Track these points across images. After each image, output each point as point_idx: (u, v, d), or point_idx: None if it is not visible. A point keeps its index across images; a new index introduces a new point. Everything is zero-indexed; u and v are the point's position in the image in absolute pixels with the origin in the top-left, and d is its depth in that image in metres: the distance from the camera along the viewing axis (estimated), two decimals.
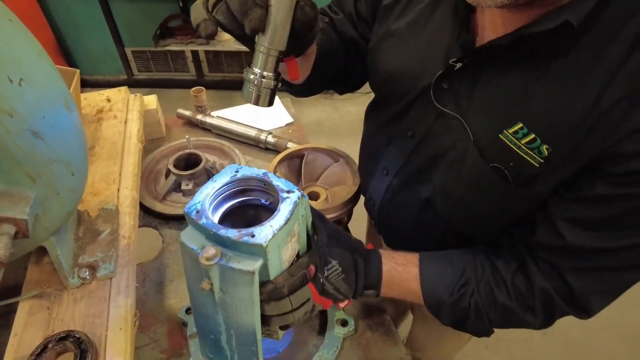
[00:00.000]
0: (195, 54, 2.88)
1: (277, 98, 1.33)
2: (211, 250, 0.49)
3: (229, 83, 2.96)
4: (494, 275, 0.59)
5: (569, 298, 0.55)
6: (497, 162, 0.54)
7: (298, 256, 0.60)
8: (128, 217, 0.79)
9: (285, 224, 0.50)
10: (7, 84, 0.45)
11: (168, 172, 0.99)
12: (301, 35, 0.51)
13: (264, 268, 0.51)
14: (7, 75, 0.45)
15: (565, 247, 0.53)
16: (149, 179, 1.03)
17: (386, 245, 0.90)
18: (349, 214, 0.92)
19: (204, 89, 1.20)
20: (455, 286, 0.60)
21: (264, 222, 0.50)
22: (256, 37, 0.50)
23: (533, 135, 0.50)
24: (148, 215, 0.97)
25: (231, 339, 0.60)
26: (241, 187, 0.57)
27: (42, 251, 0.74)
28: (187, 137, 1.02)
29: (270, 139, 1.10)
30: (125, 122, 1.03)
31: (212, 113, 1.24)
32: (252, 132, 1.12)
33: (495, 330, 0.65)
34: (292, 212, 0.51)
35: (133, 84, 2.95)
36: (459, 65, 0.56)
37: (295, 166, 0.95)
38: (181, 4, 2.58)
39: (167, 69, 3.00)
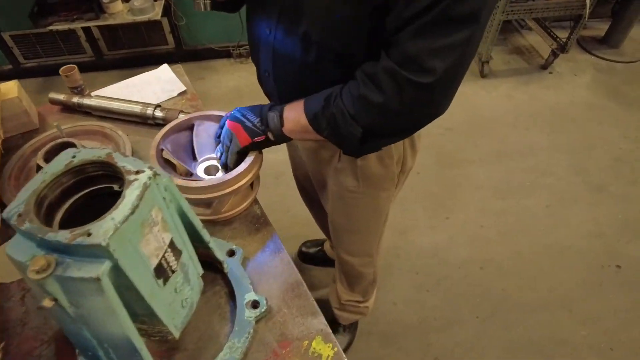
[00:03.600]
0: (88, 32, 2.57)
1: (167, 66, 1.20)
2: (40, 260, 0.40)
3: (132, 60, 2.70)
4: (352, 83, 0.70)
5: (412, 65, 0.62)
6: None
7: (172, 245, 0.52)
8: None
9: (132, 213, 0.41)
10: None
11: (39, 168, 0.85)
12: None
13: (117, 271, 0.42)
14: None
15: (403, 20, 0.60)
16: (19, 180, 0.88)
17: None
18: (257, 177, 0.85)
19: (75, 66, 1.04)
20: (323, 97, 0.73)
21: (105, 215, 0.41)
22: None
23: None
24: None
25: (109, 354, 0.51)
26: (82, 175, 0.47)
27: None
28: (55, 124, 0.87)
29: (159, 112, 0.98)
30: None
31: (93, 93, 1.09)
32: (137, 108, 1.00)
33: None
34: (140, 198, 0.42)
35: (22, 74, 2.60)
36: None
37: (186, 139, 0.85)
38: None
39: (60, 53, 2.67)
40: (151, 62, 2.77)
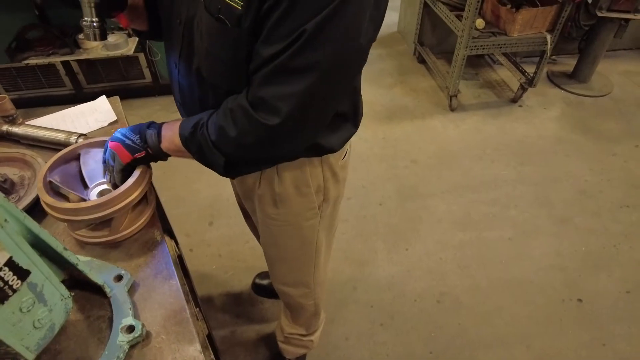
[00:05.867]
0: (67, 66, 2.67)
1: (104, 97, 1.24)
2: None
3: (111, 93, 2.77)
4: (218, 112, 0.75)
5: (261, 106, 0.68)
6: (217, 13, 0.67)
7: (12, 264, 0.53)
8: None
9: None
10: None
11: None
12: None
13: None
14: None
15: (258, 63, 0.66)
16: None
17: None
18: (152, 191, 0.90)
19: (6, 96, 1.08)
20: (192, 124, 0.77)
21: None
22: None
23: None
24: None
25: None
26: None
27: None
28: None
29: (81, 140, 1.01)
30: None
31: (27, 122, 1.13)
32: (62, 136, 1.03)
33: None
34: None
35: None
36: None
37: (75, 169, 0.87)
38: (37, 12, 2.37)
39: (40, 86, 2.76)
40: (129, 95, 2.86)
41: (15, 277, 0.54)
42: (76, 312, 0.74)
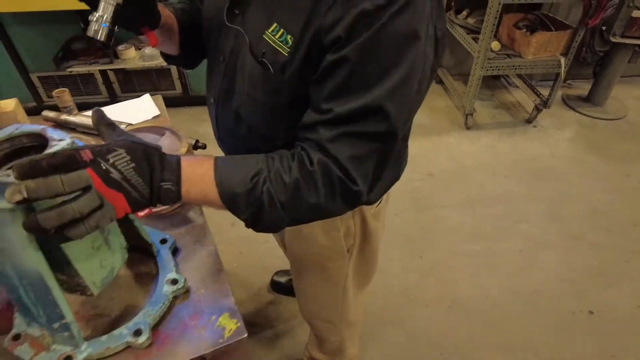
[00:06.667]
0: (105, 75, 2.86)
1: (148, 96, 1.37)
2: None
3: None
4: (282, 163, 0.64)
5: (338, 165, 0.62)
6: (261, 56, 0.67)
7: None
8: None
9: None
10: None
11: None
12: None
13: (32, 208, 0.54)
14: None
15: (322, 121, 0.63)
16: None
17: None
18: None
19: (66, 89, 1.23)
20: (248, 177, 0.62)
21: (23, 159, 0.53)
22: None
23: (282, 30, 0.64)
24: None
25: (28, 292, 0.62)
26: (19, 145, 0.60)
27: None
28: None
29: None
30: None
31: (84, 113, 1.27)
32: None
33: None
34: None
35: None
36: None
37: None
38: (83, 25, 2.58)
39: (79, 93, 2.96)
40: None
41: None
42: (125, 269, 0.85)
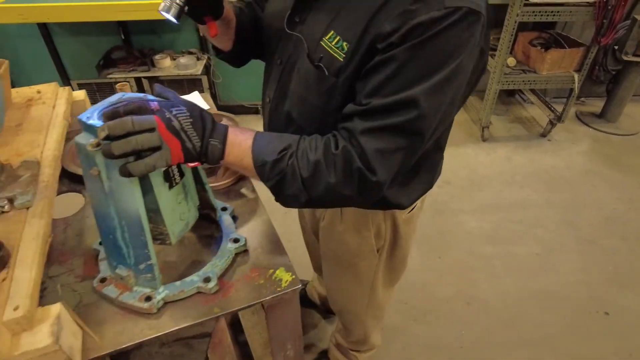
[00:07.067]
0: (139, 83, 3.04)
1: (197, 93, 1.50)
2: (96, 140, 0.64)
3: None
4: (309, 143, 0.72)
5: (362, 156, 0.68)
6: (317, 61, 0.74)
7: (177, 165, 0.75)
8: (48, 168, 0.92)
9: None
10: None
11: None
12: None
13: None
14: None
15: (359, 112, 0.68)
16: (74, 155, 1.16)
17: None
18: None
19: (127, 83, 1.36)
20: (277, 149, 0.71)
21: None
22: None
23: (338, 37, 0.71)
24: (74, 182, 1.10)
25: (124, 232, 0.73)
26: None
27: None
28: None
29: None
30: (54, 107, 1.17)
31: None
32: None
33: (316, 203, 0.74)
34: None
35: None
36: None
37: None
38: (123, 36, 2.77)
39: None
40: None
41: (177, 174, 0.77)
42: (190, 232, 0.96)
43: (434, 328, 1.83)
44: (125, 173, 0.62)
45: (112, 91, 3.09)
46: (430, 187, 0.98)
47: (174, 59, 2.79)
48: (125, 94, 0.74)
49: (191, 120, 0.65)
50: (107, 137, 0.61)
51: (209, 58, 2.89)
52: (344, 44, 0.70)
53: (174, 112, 0.64)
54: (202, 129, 0.67)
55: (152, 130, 0.61)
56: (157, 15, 2.27)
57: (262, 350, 1.43)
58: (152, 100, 0.66)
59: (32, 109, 1.14)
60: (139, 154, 0.62)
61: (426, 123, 0.67)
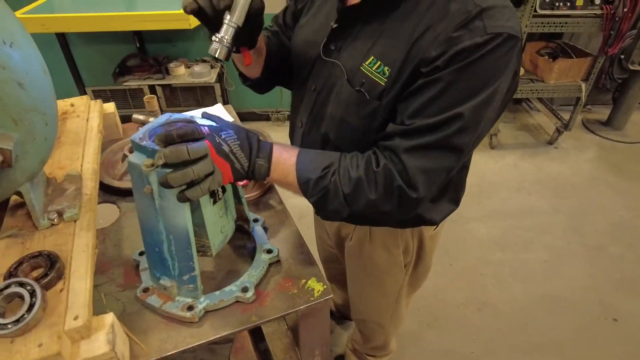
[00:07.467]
0: (152, 90, 3.09)
1: (220, 105, 1.54)
2: (149, 160, 0.69)
3: None
4: (351, 160, 0.75)
5: (403, 174, 0.71)
6: (358, 86, 0.77)
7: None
8: (89, 181, 0.97)
9: None
10: (2, 45, 0.65)
11: (124, 157, 1.18)
12: (254, 18, 0.75)
13: None
14: (1, 38, 0.65)
15: (402, 131, 0.71)
16: (108, 166, 1.21)
17: None
18: None
19: (154, 96, 1.41)
20: (320, 167, 0.75)
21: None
22: (224, 15, 0.73)
23: (379, 63, 0.74)
24: (108, 193, 1.14)
25: (171, 246, 0.78)
26: (173, 126, 0.78)
27: (16, 207, 0.90)
28: (138, 127, 1.21)
29: None
30: (87, 120, 1.22)
31: None
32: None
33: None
34: None
35: None
36: (335, 25, 0.81)
37: None
38: (138, 45, 2.83)
39: (127, 106, 3.19)
40: None
41: (221, 190, 0.81)
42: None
43: (446, 334, 1.87)
44: (183, 199, 0.67)
45: (127, 98, 3.15)
46: (458, 204, 1.01)
47: (188, 67, 2.85)
48: (172, 115, 0.78)
49: (239, 142, 0.70)
50: (165, 164, 0.66)
51: (222, 66, 2.94)
52: (386, 68, 0.73)
53: (223, 136, 0.69)
54: (249, 150, 0.71)
55: (204, 157, 0.65)
56: (171, 25, 2.34)
57: (283, 355, 1.47)
58: (202, 125, 0.70)
59: (68, 122, 1.19)
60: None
61: (466, 140, 0.71)
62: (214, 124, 0.74)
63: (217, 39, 0.75)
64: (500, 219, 2.47)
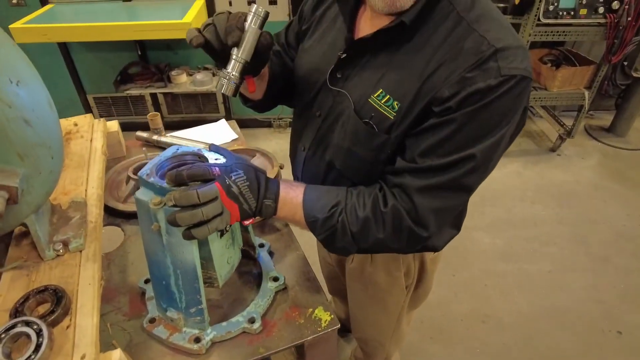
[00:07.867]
0: (154, 97, 3.09)
1: (224, 121, 1.54)
2: (157, 198, 0.68)
3: (187, 123, 3.17)
4: (358, 198, 0.76)
5: (414, 214, 0.72)
6: (366, 118, 0.76)
7: None
8: (94, 208, 0.96)
9: None
10: (8, 84, 0.64)
11: (128, 179, 1.17)
12: (261, 54, 0.74)
13: None
14: (8, 77, 0.64)
15: (413, 169, 0.71)
16: (112, 187, 1.20)
17: None
18: None
19: (158, 114, 1.41)
20: (328, 206, 0.75)
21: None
22: (232, 50, 0.72)
23: (388, 96, 0.73)
24: (112, 216, 1.14)
25: (178, 280, 0.77)
26: (181, 161, 0.77)
27: (20, 236, 0.89)
28: (143, 149, 1.20)
29: None
30: (91, 140, 1.21)
31: (168, 134, 1.44)
32: (201, 145, 1.32)
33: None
34: None
35: None
36: (344, 55, 0.80)
37: None
38: (139, 52, 2.82)
39: (128, 113, 3.19)
40: None
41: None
42: None
43: (450, 346, 1.87)
44: (189, 237, 0.67)
45: (128, 105, 3.14)
46: (459, 229, 1.02)
47: (190, 75, 2.84)
48: (179, 148, 0.78)
49: (248, 183, 0.70)
50: (174, 206, 0.65)
51: None
52: (395, 102, 0.73)
53: (233, 178, 0.68)
54: (257, 190, 0.72)
55: (214, 199, 0.65)
56: (173, 35, 2.33)
57: None
58: (213, 166, 0.69)
59: (72, 143, 1.18)
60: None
61: (477, 179, 0.72)
62: (223, 159, 0.73)
63: (224, 76, 0.74)
64: (504, 229, 2.46)
